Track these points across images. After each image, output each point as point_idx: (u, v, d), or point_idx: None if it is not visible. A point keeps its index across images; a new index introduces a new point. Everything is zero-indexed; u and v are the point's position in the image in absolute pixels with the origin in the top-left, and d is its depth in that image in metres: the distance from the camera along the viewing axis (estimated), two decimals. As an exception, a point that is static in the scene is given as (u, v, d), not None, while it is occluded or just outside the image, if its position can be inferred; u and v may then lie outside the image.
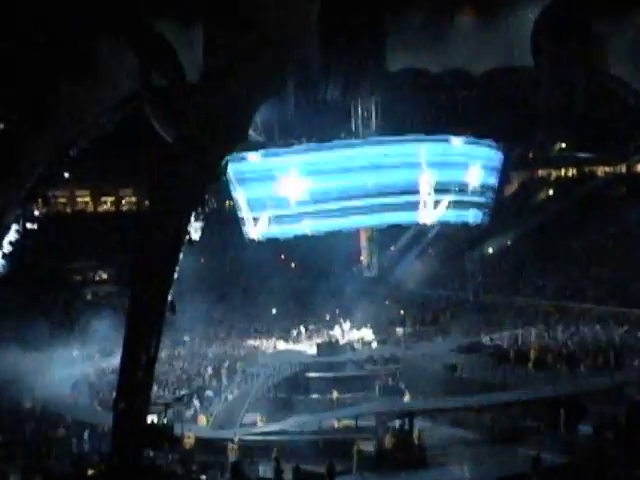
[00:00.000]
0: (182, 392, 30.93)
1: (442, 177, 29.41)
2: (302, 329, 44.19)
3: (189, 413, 29.00)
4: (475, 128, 29.65)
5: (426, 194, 29.31)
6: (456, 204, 30.17)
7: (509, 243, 55.03)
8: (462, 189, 29.94)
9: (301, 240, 31.23)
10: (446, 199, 29.78)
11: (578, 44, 26.40)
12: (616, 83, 27.01)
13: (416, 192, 29.22)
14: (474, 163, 29.89)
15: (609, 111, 35.13)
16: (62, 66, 24.03)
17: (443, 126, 29.55)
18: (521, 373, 30.71)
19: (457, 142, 29.48)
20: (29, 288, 43.74)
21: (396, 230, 43.07)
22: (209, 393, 32.01)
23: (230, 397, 31.63)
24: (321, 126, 29.22)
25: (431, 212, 29.80)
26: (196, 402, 30.50)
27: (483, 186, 30.58)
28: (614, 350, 31.38)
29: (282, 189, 28.85)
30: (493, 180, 30.96)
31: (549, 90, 28.05)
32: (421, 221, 30.43)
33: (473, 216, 30.93)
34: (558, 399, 25.64)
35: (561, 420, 24.80)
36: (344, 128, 30.32)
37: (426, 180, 29.11)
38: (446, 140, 29.37)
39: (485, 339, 38.18)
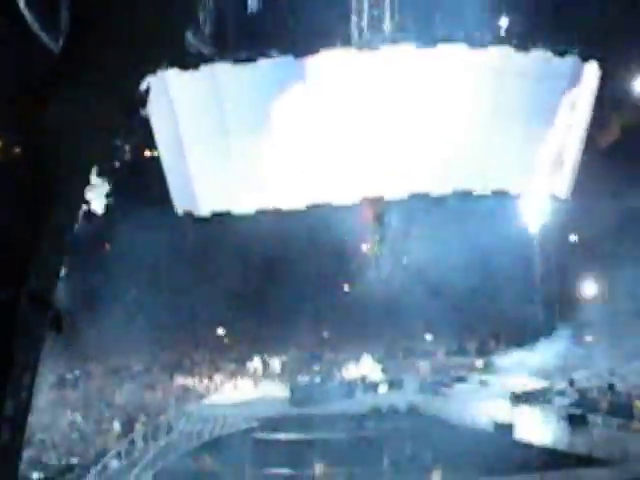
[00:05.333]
0: (72, 460, 24.32)
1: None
2: (261, 361, 35.35)
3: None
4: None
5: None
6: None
7: (608, 222, 37.88)
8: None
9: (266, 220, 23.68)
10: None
11: None
12: None
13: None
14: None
15: None
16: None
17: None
18: (619, 438, 22.87)
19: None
20: None
21: (424, 203, 25.56)
22: (114, 463, 23.82)
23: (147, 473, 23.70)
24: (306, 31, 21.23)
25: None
26: (92, 478, 22.45)
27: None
28: None
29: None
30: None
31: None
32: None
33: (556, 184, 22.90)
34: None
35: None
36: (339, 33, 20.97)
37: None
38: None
39: (561, 381, 29.67)
